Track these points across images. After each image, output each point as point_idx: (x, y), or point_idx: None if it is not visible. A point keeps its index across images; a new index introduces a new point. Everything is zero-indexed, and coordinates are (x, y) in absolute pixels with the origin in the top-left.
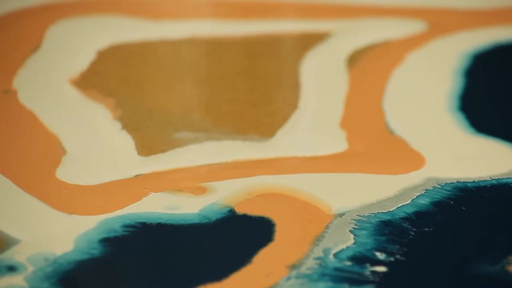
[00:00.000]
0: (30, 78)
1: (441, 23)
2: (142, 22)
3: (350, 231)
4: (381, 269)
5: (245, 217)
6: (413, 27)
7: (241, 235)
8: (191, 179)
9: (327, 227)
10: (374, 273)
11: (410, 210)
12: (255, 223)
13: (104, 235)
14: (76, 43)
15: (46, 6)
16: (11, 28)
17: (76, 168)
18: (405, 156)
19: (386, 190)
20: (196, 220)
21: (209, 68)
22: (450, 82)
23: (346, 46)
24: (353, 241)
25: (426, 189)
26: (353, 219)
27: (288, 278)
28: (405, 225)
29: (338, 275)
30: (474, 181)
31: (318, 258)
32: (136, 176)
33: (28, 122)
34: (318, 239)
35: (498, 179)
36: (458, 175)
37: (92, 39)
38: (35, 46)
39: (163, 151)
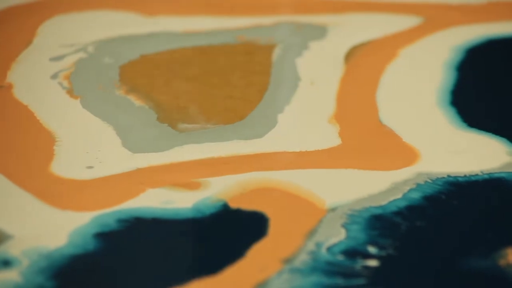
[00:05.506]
0: (24, 73)
1: (434, 17)
2: (137, 17)
3: (343, 225)
4: (373, 263)
5: (239, 212)
6: (407, 22)
7: (235, 229)
8: (186, 174)
9: (320, 221)
10: (366, 267)
11: (402, 204)
12: (248, 218)
13: (98, 230)
14: (70, 38)
15: (42, 2)
16: (6, 24)
17: (70, 163)
18: (397, 151)
19: (378, 185)
20: (190, 215)
21: (205, 64)
22: (443, 77)
23: (341, 42)
24: (345, 235)
25: (418, 184)
26: (346, 214)
27: (282, 272)
28: (396, 219)
29: (330, 269)
30: (465, 176)
31: (310, 252)
32: (132, 170)
33: (22, 117)
34: (311, 233)
35: (490, 173)
36: (450, 169)
37: (87, 34)
38: (29, 42)
39: (158, 146)
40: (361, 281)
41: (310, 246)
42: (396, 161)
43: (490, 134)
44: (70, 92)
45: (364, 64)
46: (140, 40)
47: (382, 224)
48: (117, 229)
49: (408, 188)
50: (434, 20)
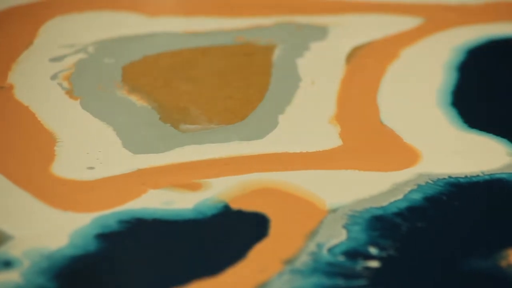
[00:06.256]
0: (24, 74)
1: (434, 18)
2: (137, 18)
3: (343, 226)
4: (374, 264)
5: (240, 213)
6: (408, 22)
7: (236, 230)
8: (187, 175)
9: (321, 222)
10: (366, 268)
11: (403, 205)
12: (249, 219)
13: (99, 231)
14: (71, 38)
15: (42, 2)
16: (7, 24)
17: (71, 163)
18: (398, 152)
19: (379, 185)
20: (191, 216)
21: (205, 65)
22: (443, 78)
23: (342, 42)
24: (346, 236)
25: (419, 185)
26: (347, 214)
27: (282, 273)
28: (397, 220)
29: (331, 270)
30: (466, 177)
31: (311, 253)
32: (133, 171)
33: (23, 118)
34: (312, 234)
35: (490, 174)
36: (451, 170)
37: (87, 35)
38: (29, 42)
39: (159, 147)
40: (362, 282)
41: (311, 247)
42: (397, 162)
43: (491, 135)
44: (71, 93)
45: (365, 64)
46: (140, 41)
47: (383, 225)
48: (118, 230)
49: (409, 189)
50: (435, 21)
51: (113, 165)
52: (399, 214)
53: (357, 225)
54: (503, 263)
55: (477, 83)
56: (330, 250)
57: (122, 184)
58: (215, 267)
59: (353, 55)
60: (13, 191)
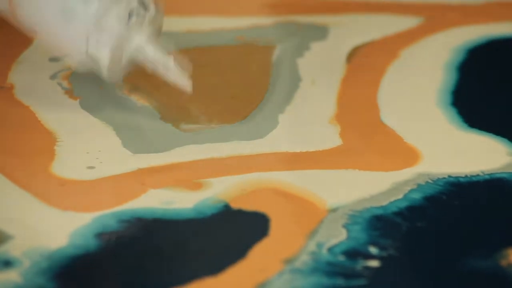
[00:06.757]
0: (25, 74)
1: (434, 18)
2: None
3: (344, 225)
4: (374, 263)
5: (240, 212)
6: (407, 22)
7: (236, 230)
8: (187, 175)
9: (321, 221)
10: (366, 267)
11: (403, 204)
12: (249, 218)
13: (99, 230)
14: None
15: None
16: (7, 24)
17: (71, 163)
18: (398, 151)
19: (379, 185)
20: (191, 215)
21: (206, 65)
22: (444, 78)
23: (342, 42)
24: (346, 235)
25: (419, 184)
26: (347, 214)
27: (283, 272)
28: (397, 219)
29: (331, 269)
30: (466, 176)
31: (311, 253)
32: (133, 171)
33: (23, 117)
34: (312, 233)
35: (490, 174)
36: (450, 170)
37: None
38: (29, 42)
39: (159, 146)
40: (362, 281)
41: (311, 246)
42: (397, 162)
43: (491, 134)
44: (70, 93)
45: (365, 64)
46: None
47: (383, 224)
48: (118, 230)
49: (409, 188)
50: (435, 21)
51: (113, 165)
52: (399, 213)
53: (357, 224)
54: (503, 263)
55: (477, 83)
56: (330, 249)
57: (122, 184)
58: (215, 266)
59: (353, 54)
60: (13, 191)
